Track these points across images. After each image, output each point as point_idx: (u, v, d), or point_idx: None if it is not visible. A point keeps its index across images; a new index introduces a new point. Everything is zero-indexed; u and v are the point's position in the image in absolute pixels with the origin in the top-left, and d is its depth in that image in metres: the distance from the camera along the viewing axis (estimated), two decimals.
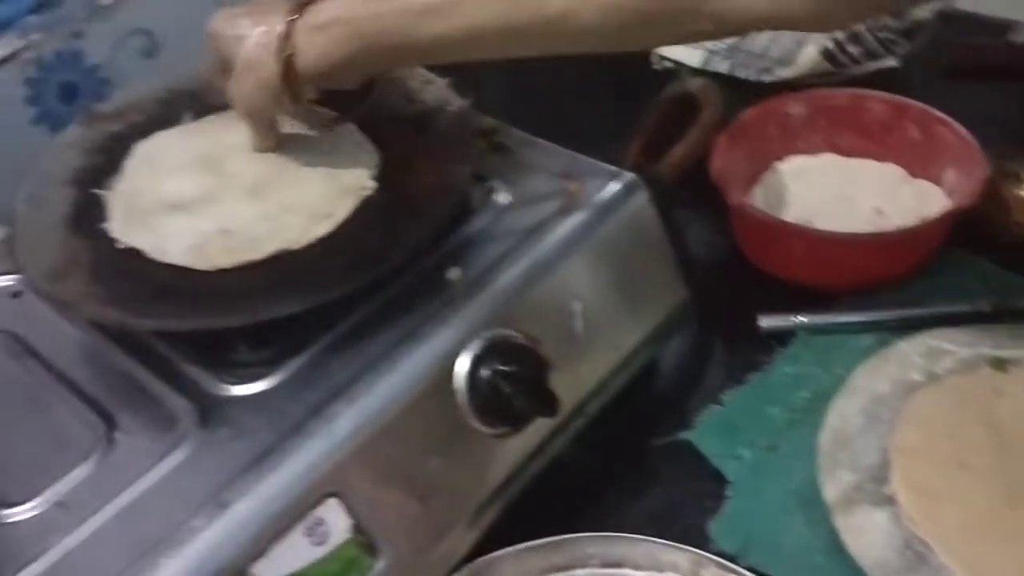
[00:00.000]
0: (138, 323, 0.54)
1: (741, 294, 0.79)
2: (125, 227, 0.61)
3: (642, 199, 0.65)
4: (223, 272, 0.57)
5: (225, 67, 0.61)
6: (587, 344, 0.63)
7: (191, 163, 0.64)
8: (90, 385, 0.57)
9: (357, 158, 0.64)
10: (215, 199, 0.61)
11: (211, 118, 0.69)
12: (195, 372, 0.56)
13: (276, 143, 0.64)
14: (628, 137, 0.88)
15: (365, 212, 0.61)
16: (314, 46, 0.56)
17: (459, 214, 0.62)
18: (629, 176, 0.66)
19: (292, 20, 0.57)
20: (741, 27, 0.57)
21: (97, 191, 0.64)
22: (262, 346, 0.56)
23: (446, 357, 0.56)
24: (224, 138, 0.65)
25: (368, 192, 0.62)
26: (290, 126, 0.65)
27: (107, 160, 0.67)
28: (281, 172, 0.63)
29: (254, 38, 0.57)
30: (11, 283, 0.65)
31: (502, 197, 0.65)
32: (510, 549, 0.59)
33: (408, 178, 0.63)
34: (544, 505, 0.62)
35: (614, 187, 0.65)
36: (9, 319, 0.62)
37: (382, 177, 0.63)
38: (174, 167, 0.64)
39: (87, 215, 0.62)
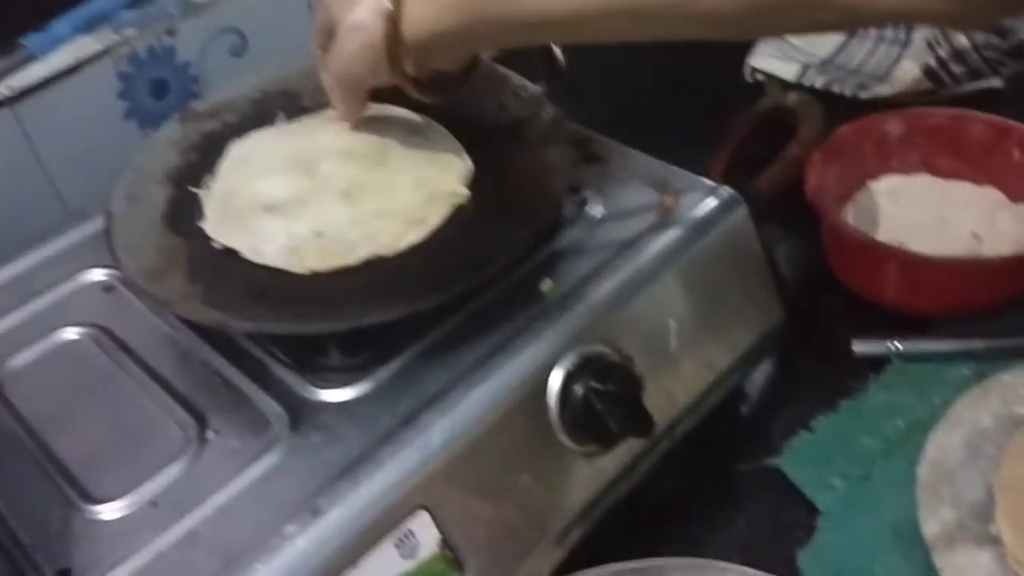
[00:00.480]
0: (238, 325, 0.54)
1: (832, 317, 0.77)
2: (220, 227, 0.61)
3: (741, 215, 0.63)
4: (318, 276, 0.57)
5: (330, 31, 0.60)
6: (679, 363, 0.61)
7: (285, 164, 0.63)
8: (181, 383, 0.57)
9: (450, 164, 0.63)
10: (309, 201, 0.61)
11: (305, 119, 0.69)
12: (286, 375, 0.56)
13: (362, 114, 0.63)
14: (712, 149, 0.87)
15: (459, 220, 0.60)
16: (422, 13, 0.55)
17: (553, 225, 0.61)
18: (728, 191, 0.64)
19: None
20: (875, 20, 0.54)
21: (193, 189, 0.64)
22: (354, 352, 0.56)
23: (539, 371, 0.55)
24: (318, 140, 0.65)
25: (461, 200, 0.61)
26: (381, 125, 0.65)
27: (202, 159, 0.67)
28: (374, 176, 0.62)
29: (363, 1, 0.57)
30: (103, 278, 0.65)
31: (595, 209, 0.64)
32: (593, 571, 0.58)
33: (502, 187, 0.62)
34: (626, 528, 0.61)
35: (712, 202, 0.64)
36: (101, 314, 0.63)
37: (475, 185, 0.62)
38: (268, 168, 0.63)
39: (183, 213, 0.63)
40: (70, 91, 0.79)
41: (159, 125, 0.86)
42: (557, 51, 0.64)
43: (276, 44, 0.91)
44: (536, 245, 0.59)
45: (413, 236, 0.59)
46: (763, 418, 0.70)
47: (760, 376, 0.72)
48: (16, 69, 0.78)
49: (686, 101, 0.95)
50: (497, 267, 0.55)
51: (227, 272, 0.58)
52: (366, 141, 0.64)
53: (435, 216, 0.60)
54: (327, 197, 0.61)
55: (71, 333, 0.61)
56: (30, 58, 0.79)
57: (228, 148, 0.66)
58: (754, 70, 0.92)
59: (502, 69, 0.70)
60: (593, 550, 0.58)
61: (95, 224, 0.68)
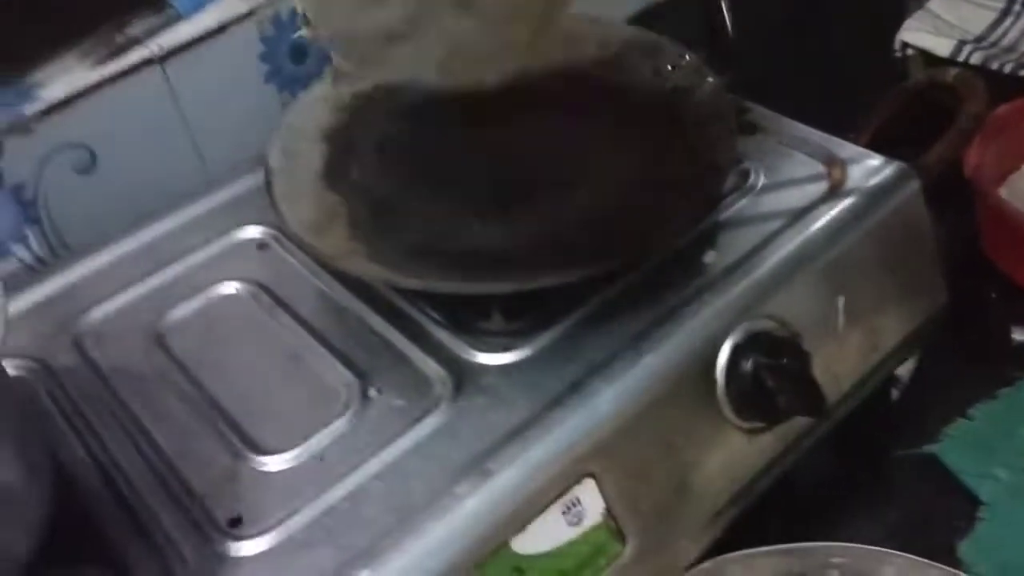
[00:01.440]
0: (405, 282, 0.53)
1: (988, 303, 0.73)
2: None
3: (913, 190, 0.61)
4: (483, 234, 0.56)
5: None
6: (846, 342, 0.59)
7: None
8: (339, 341, 0.57)
9: None
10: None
11: None
12: (445, 337, 0.55)
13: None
14: (849, 126, 0.84)
15: (628, 189, 0.58)
16: None
17: (719, 196, 0.59)
18: (900, 165, 0.61)
19: None
20: None
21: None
22: (516, 316, 0.55)
23: (707, 344, 0.53)
24: None
25: None
26: None
27: (354, 119, 0.67)
28: None
29: None
30: (257, 235, 0.66)
31: (758, 180, 0.62)
32: (745, 552, 0.56)
33: (667, 156, 0.60)
34: (778, 511, 0.59)
35: (884, 174, 0.61)
36: (256, 270, 0.63)
37: (639, 154, 0.61)
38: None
39: (340, 171, 0.62)
40: (215, 52, 0.79)
41: (296, 89, 0.88)
42: (727, 16, 0.62)
43: None
44: (704, 216, 0.57)
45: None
46: (916, 404, 0.68)
47: (912, 360, 0.69)
48: (164, 28, 0.79)
49: (824, 76, 0.91)
50: (671, 238, 0.54)
51: (388, 227, 0.58)
52: None
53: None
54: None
55: (228, 287, 0.62)
56: (177, 17, 0.79)
57: None
58: (905, 45, 0.88)
59: (652, 34, 0.68)
60: (742, 534, 0.56)
61: (239, 186, 0.69)
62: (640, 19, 1.07)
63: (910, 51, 0.88)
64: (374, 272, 0.54)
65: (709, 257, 0.57)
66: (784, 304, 0.56)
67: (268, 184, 0.60)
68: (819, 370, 0.56)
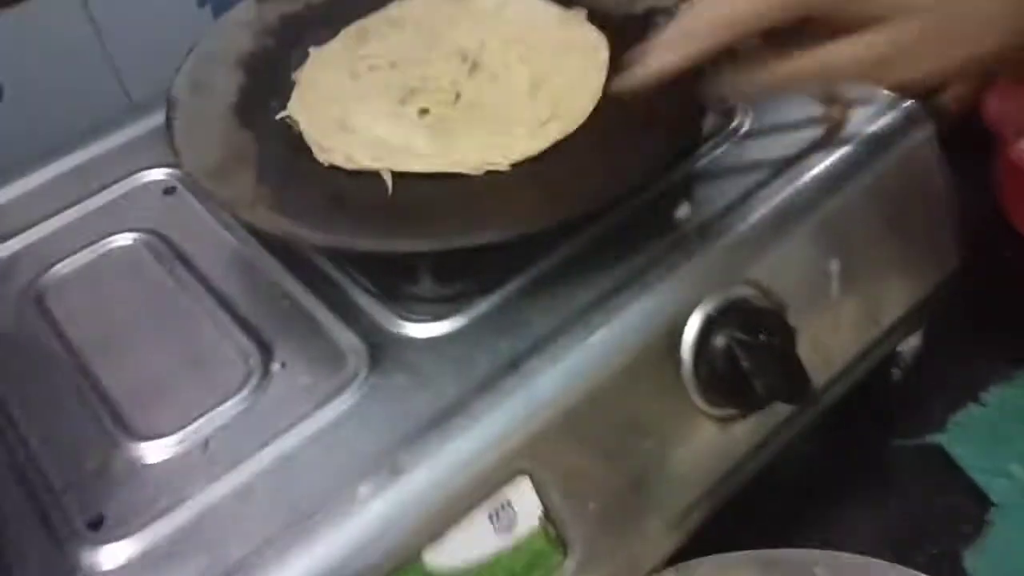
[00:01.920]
0: (309, 236, 0.45)
1: (1007, 269, 0.64)
2: (305, 118, 0.52)
3: (925, 135, 0.52)
4: (410, 184, 0.47)
5: None
6: (839, 314, 0.50)
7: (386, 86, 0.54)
8: (245, 304, 0.49)
9: (584, 60, 0.53)
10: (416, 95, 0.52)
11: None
12: (367, 302, 0.47)
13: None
14: None
15: (581, 128, 0.49)
16: None
17: (694, 138, 0.50)
18: (911, 105, 0.52)
19: None
20: None
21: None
22: (448, 280, 0.46)
23: (673, 316, 0.45)
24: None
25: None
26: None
27: (278, 44, 0.58)
28: (491, 71, 0.53)
29: None
30: (163, 177, 0.57)
31: (743, 121, 0.53)
32: (715, 557, 0.48)
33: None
34: (757, 509, 0.51)
35: (891, 117, 0.52)
36: (159, 218, 0.54)
37: (600, 85, 0.51)
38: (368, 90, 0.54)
39: (255, 104, 0.53)
40: None
41: None
42: None
43: None
44: (673, 161, 0.48)
45: (531, 146, 0.48)
46: (920, 386, 0.59)
47: (915, 336, 0.61)
48: None
49: None
50: (626, 185, 0.45)
51: (302, 173, 0.49)
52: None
53: (556, 129, 0.49)
54: (436, 96, 0.52)
55: (124, 239, 0.53)
56: None
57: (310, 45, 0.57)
58: None
59: None
60: (712, 539, 0.48)
61: (158, 119, 0.60)
62: None
63: None
64: (275, 223, 0.45)
65: (682, 211, 0.48)
66: (767, 269, 0.47)
67: (169, 120, 0.51)
68: (806, 348, 0.47)
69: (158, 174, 0.57)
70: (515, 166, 0.48)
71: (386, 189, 0.48)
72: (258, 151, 0.50)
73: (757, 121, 0.53)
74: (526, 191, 0.46)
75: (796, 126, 0.52)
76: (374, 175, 0.49)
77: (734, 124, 0.53)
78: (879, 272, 0.51)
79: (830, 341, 0.50)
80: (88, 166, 0.59)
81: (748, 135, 0.52)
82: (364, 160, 0.49)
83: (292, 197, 0.47)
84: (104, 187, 0.57)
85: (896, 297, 0.52)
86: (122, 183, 0.57)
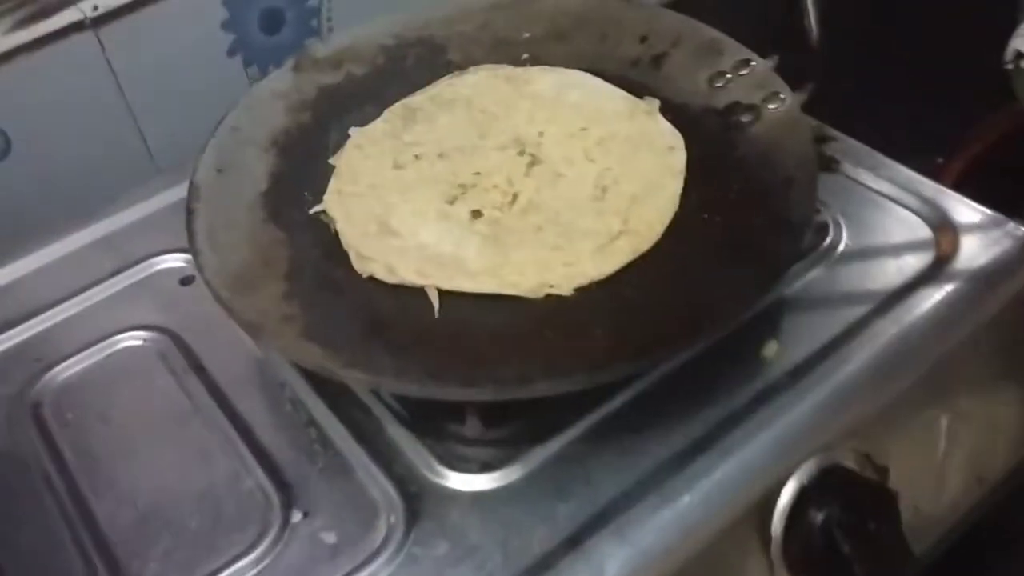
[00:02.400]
0: (346, 374, 0.39)
1: None
2: (342, 215, 0.46)
3: None
4: (463, 303, 0.41)
5: None
6: (944, 473, 0.44)
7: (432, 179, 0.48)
8: (266, 430, 0.43)
9: (660, 168, 0.47)
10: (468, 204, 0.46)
11: (448, 83, 0.53)
12: (405, 440, 0.41)
13: None
14: (944, 151, 0.68)
15: (656, 247, 0.43)
16: None
17: (788, 266, 0.44)
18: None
19: None
20: None
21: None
22: (499, 422, 0.40)
23: (763, 485, 0.38)
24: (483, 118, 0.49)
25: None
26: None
27: (317, 122, 0.52)
28: (553, 178, 0.47)
29: None
30: (181, 265, 0.51)
31: (838, 239, 0.47)
32: None
33: (718, 200, 0.45)
34: None
35: (1007, 246, 0.45)
36: (173, 315, 0.48)
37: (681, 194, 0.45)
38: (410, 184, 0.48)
39: (288, 193, 0.48)
40: (166, 16, 0.64)
41: (267, 65, 0.73)
42: (812, 14, 0.45)
43: None
44: (764, 295, 0.42)
45: (598, 269, 0.42)
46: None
47: None
48: None
49: (920, 89, 0.75)
50: (710, 328, 0.39)
51: (338, 286, 0.43)
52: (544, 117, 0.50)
53: (627, 247, 0.43)
54: (490, 196, 0.46)
55: (134, 339, 0.47)
56: None
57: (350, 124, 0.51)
58: (1019, 55, 0.71)
59: (711, 30, 0.53)
60: None
61: (180, 192, 0.54)
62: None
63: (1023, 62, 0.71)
64: (307, 354, 0.39)
65: (769, 350, 0.42)
66: (869, 427, 0.41)
67: (190, 212, 0.45)
68: (907, 513, 0.41)
69: (176, 260, 0.51)
70: (579, 290, 0.42)
71: (432, 308, 0.42)
72: (289, 256, 0.45)
73: (854, 239, 0.47)
74: (591, 323, 0.40)
75: (899, 250, 0.46)
76: (418, 291, 0.43)
77: (828, 242, 0.47)
78: (989, 423, 0.45)
79: (931, 505, 0.43)
80: (99, 245, 0.53)
81: (844, 257, 0.46)
82: (408, 274, 0.43)
83: (325, 319, 0.41)
84: (116, 272, 0.51)
85: (1005, 452, 0.46)
86: (135, 269, 0.51)
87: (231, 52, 0.70)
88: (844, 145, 0.51)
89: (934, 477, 0.43)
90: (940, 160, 0.71)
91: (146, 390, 0.45)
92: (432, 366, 0.38)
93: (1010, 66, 0.73)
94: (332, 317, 0.41)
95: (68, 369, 0.46)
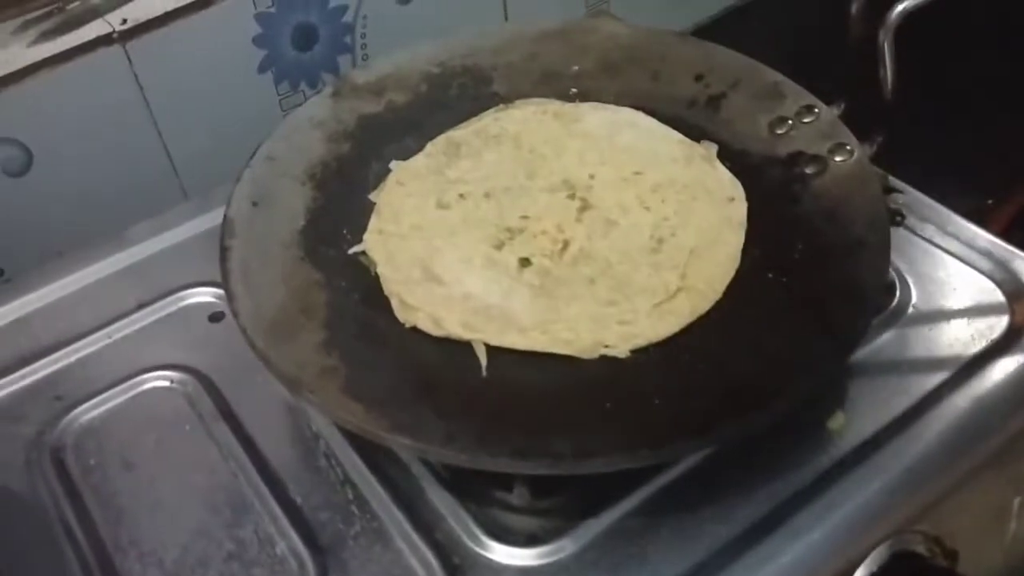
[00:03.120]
0: (392, 438, 0.36)
1: None
2: (384, 257, 0.44)
3: None
4: (513, 360, 0.39)
5: None
6: (1012, 553, 0.41)
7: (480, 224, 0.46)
8: (298, 486, 0.40)
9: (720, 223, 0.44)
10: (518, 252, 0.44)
11: (494, 119, 0.51)
12: (447, 505, 0.39)
13: None
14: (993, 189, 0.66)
15: (718, 306, 0.41)
16: None
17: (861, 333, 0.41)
18: None
19: None
20: None
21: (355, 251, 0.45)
22: (549, 492, 0.38)
23: (832, 568, 0.36)
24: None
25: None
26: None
27: (358, 152, 0.50)
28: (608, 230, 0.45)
29: None
30: (211, 300, 0.49)
31: (907, 300, 0.44)
32: None
33: (781, 259, 0.42)
34: None
35: None
36: (202, 354, 0.46)
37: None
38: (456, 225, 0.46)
39: (327, 230, 0.45)
40: (196, 30, 0.62)
41: (298, 82, 0.71)
42: (888, 63, 0.43)
43: None
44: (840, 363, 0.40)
45: (656, 330, 0.40)
46: None
47: None
48: None
49: (970, 131, 0.72)
50: (784, 404, 0.36)
51: (380, 337, 0.41)
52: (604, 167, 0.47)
53: (687, 307, 0.41)
54: (539, 243, 0.44)
55: (160, 380, 0.45)
56: None
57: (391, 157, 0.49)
58: None
59: (772, 71, 0.50)
60: None
61: (211, 220, 0.52)
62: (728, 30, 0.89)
63: None
64: (347, 413, 0.37)
65: (836, 421, 0.40)
66: (940, 509, 0.38)
67: (224, 250, 0.43)
68: None
69: (206, 295, 0.49)
70: (635, 352, 0.40)
71: (479, 364, 0.40)
72: (327, 300, 0.42)
73: (923, 300, 0.44)
74: (650, 391, 0.38)
75: (971, 314, 0.43)
76: (465, 344, 0.41)
77: (896, 302, 0.44)
78: None
79: None
80: (124, 275, 0.51)
81: (914, 319, 0.43)
82: (454, 327, 0.41)
83: (368, 373, 0.39)
84: (142, 306, 0.49)
85: None
86: (163, 303, 0.49)
87: (262, 68, 0.67)
88: (908, 197, 0.49)
89: (1003, 559, 0.41)
90: (990, 202, 0.69)
91: (173, 436, 0.43)
92: (483, 433, 0.36)
93: None
94: (375, 371, 0.39)
95: (91, 410, 0.44)
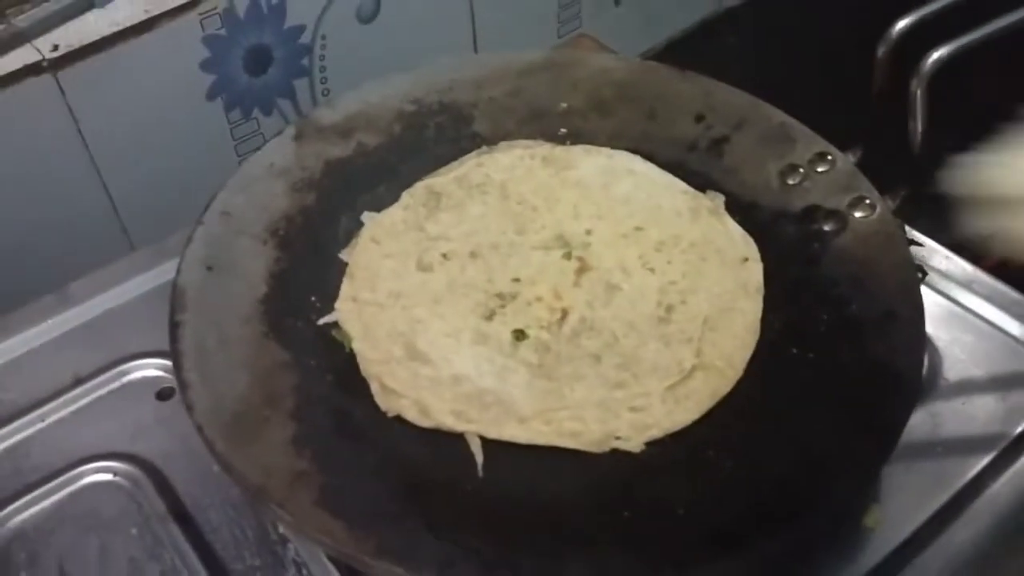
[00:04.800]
0: (380, 566, 0.31)
1: None
2: (359, 331, 0.38)
3: None
4: (512, 455, 0.34)
5: None
6: None
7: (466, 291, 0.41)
8: None
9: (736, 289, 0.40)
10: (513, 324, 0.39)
11: (475, 164, 0.46)
12: None
13: None
14: None
15: (739, 386, 0.37)
16: None
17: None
18: None
19: None
20: None
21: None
22: None
23: None
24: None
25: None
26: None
27: (322, 204, 0.44)
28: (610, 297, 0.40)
29: None
30: (159, 374, 0.43)
31: (936, 369, 0.41)
32: None
33: (807, 331, 0.38)
34: None
35: None
36: (149, 440, 0.40)
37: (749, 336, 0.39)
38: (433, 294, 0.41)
39: (293, 297, 0.40)
40: (136, 56, 0.56)
41: (252, 110, 0.65)
42: (920, 114, 0.39)
43: (419, 9, 0.67)
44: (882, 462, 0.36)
45: (672, 419, 0.35)
46: None
47: None
48: (67, 19, 0.55)
49: None
50: (823, 514, 0.32)
51: (359, 430, 0.35)
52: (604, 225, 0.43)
53: (706, 390, 0.36)
54: (534, 312, 0.39)
55: (101, 474, 0.39)
56: (87, 4, 0.56)
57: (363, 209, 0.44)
58: None
59: (778, 112, 0.46)
60: None
61: (159, 277, 0.46)
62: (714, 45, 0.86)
63: None
64: (325, 532, 0.31)
65: (872, 518, 0.36)
66: None
67: (174, 327, 0.37)
68: None
69: (152, 369, 0.43)
70: (651, 444, 0.35)
71: (474, 461, 0.35)
72: (295, 384, 0.37)
73: (954, 370, 0.40)
74: (671, 495, 0.33)
75: (1007, 387, 0.40)
76: (457, 436, 0.36)
77: (925, 373, 0.40)
78: None
79: None
80: (61, 342, 0.45)
81: (945, 392, 0.40)
82: (444, 417, 0.36)
83: (346, 477, 0.33)
84: (80, 381, 0.43)
85: None
86: (104, 377, 0.43)
87: (211, 95, 0.61)
88: (928, 250, 0.45)
89: None
90: None
91: (117, 541, 0.37)
92: (486, 559, 0.31)
93: None
94: (354, 475, 0.34)
95: (21, 511, 0.38)
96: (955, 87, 0.39)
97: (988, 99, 0.37)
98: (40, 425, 0.41)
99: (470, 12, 0.71)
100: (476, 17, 0.72)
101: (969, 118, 0.34)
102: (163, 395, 0.43)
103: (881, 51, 0.40)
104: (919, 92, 0.38)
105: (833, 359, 0.37)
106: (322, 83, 0.66)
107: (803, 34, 0.70)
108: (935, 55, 0.37)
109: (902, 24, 0.37)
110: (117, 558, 0.37)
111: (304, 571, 0.36)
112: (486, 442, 0.35)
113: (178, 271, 0.40)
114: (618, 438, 0.35)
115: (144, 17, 0.57)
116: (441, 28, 0.70)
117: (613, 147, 0.47)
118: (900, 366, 0.36)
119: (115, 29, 0.56)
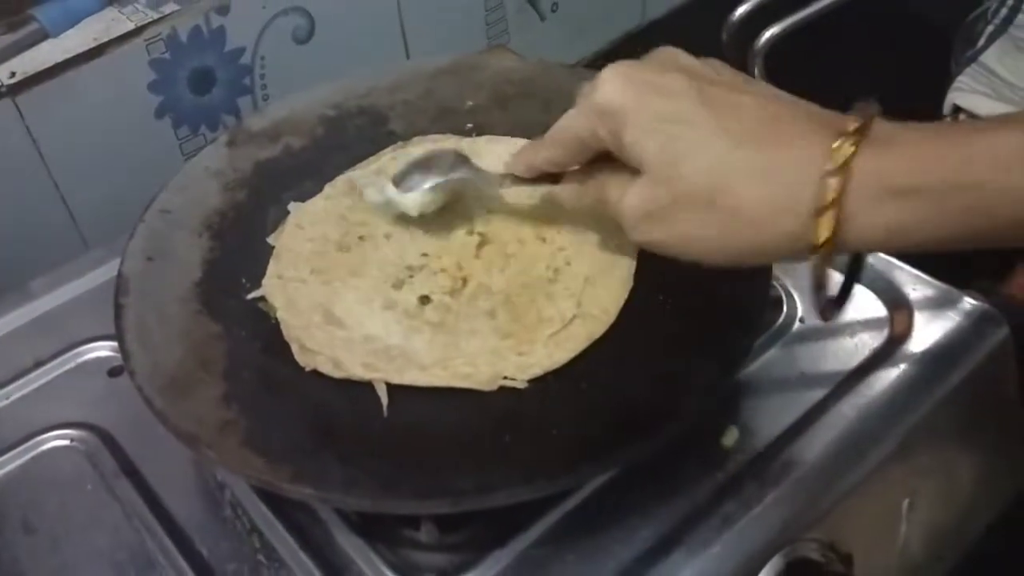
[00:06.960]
0: (293, 489, 0.36)
1: None
2: (283, 303, 0.44)
3: (1000, 340, 0.45)
4: (414, 397, 0.40)
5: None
6: (905, 555, 0.43)
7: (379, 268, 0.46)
8: (205, 541, 0.40)
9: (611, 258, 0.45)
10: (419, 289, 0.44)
11: (391, 156, 0.51)
12: (355, 547, 0.39)
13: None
14: None
15: (613, 329, 0.42)
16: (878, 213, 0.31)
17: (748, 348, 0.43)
18: (981, 307, 0.46)
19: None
20: None
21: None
22: (456, 527, 0.39)
23: None
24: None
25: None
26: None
27: (254, 200, 0.49)
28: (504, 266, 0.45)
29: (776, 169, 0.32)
30: (110, 354, 0.48)
31: (793, 315, 0.46)
32: None
33: (673, 280, 0.43)
34: None
35: (961, 320, 0.45)
36: (103, 410, 0.46)
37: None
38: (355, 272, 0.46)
39: (225, 279, 0.45)
40: (88, 80, 0.62)
41: (199, 127, 0.71)
42: None
43: (352, 29, 0.73)
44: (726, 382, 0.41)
45: (553, 358, 0.41)
46: None
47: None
48: (23, 48, 0.61)
49: None
50: (676, 426, 0.37)
51: (281, 384, 0.40)
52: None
53: (583, 333, 0.42)
54: (438, 280, 0.45)
55: (59, 440, 0.45)
56: (42, 35, 0.61)
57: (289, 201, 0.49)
58: (957, 109, 0.73)
59: None
60: None
61: (108, 272, 0.51)
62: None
63: (962, 116, 0.73)
64: (248, 467, 0.37)
65: (729, 437, 0.41)
66: (832, 515, 0.40)
67: (118, 308, 0.43)
68: None
69: (103, 349, 0.48)
70: (534, 381, 0.41)
71: (381, 405, 0.40)
72: (226, 351, 0.42)
73: (809, 315, 0.46)
74: (548, 420, 0.39)
75: (854, 328, 0.45)
76: (367, 385, 0.41)
77: (782, 319, 0.46)
78: (947, 502, 0.45)
79: None
80: (20, 333, 0.50)
81: (800, 335, 0.45)
82: (355, 368, 0.41)
83: (268, 423, 0.39)
84: (39, 363, 0.48)
85: (962, 528, 0.45)
86: (61, 359, 0.48)
87: (159, 114, 0.67)
88: None
89: (896, 559, 0.43)
90: None
91: (75, 497, 0.42)
92: (385, 477, 0.36)
93: (949, 118, 0.74)
94: (276, 421, 0.39)
95: None
96: (795, 64, 0.44)
97: (824, 74, 0.43)
98: (5, 402, 0.47)
99: (401, 30, 0.77)
100: (407, 34, 0.78)
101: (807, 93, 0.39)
102: (114, 372, 0.48)
103: (725, 36, 0.46)
104: (756, 70, 0.43)
105: (691, 301, 0.42)
106: (264, 100, 0.72)
107: (705, 37, 0.76)
108: (767, 34, 0.43)
109: (741, 10, 0.43)
110: (75, 511, 0.42)
111: (239, 510, 0.41)
112: (391, 388, 0.40)
113: (122, 262, 0.45)
114: (505, 377, 0.40)
115: (93, 44, 0.62)
116: (374, 46, 0.76)
117: (512, 136, 0.52)
118: (748, 302, 0.41)
119: (67, 56, 0.61)
